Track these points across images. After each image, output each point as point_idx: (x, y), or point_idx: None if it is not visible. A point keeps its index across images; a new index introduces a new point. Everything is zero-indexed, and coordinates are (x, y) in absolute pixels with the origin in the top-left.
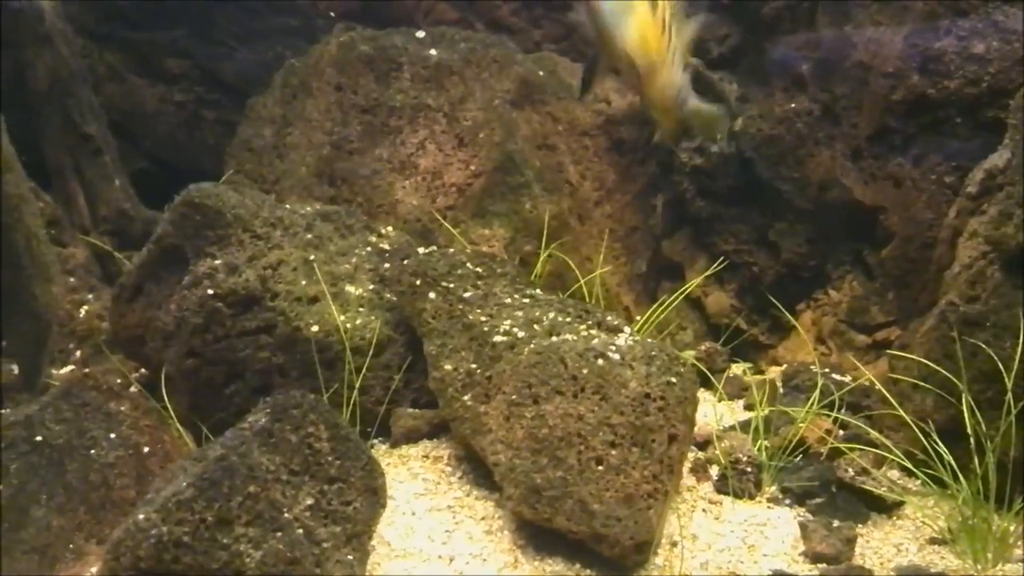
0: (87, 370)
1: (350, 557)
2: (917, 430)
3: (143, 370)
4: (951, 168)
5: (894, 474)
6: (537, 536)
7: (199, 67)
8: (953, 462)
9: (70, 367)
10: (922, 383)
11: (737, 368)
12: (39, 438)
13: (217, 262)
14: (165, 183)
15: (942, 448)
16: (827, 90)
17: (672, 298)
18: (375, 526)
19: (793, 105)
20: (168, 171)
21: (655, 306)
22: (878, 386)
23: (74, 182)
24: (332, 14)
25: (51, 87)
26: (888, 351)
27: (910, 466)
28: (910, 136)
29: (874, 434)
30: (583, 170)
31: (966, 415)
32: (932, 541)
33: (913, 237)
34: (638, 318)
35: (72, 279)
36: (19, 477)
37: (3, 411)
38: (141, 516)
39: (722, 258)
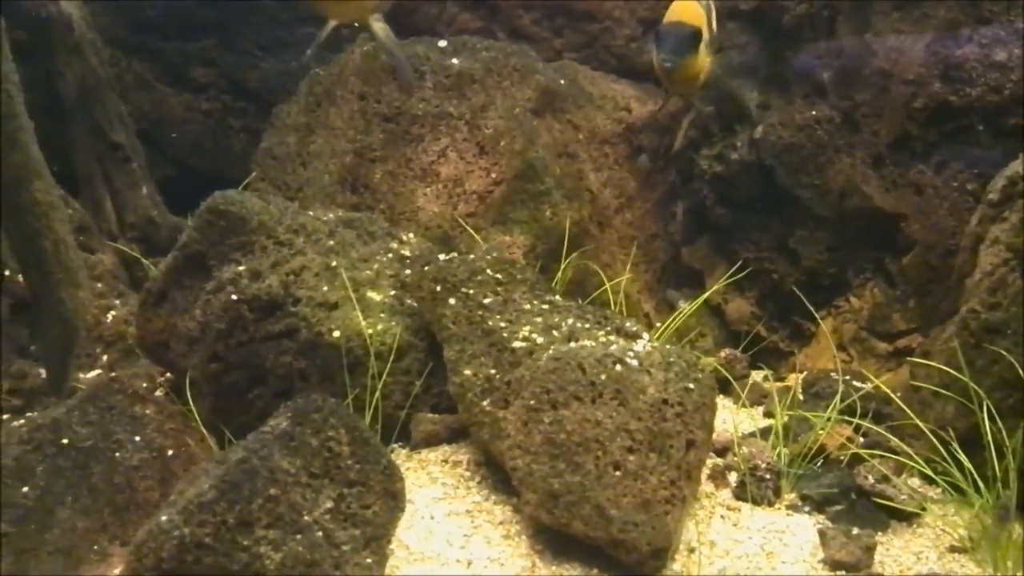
0: (113, 374)
1: (369, 560)
2: (936, 439)
3: (168, 375)
4: (973, 175)
5: (914, 482)
6: (555, 541)
7: (226, 76)
8: (973, 470)
9: (97, 371)
10: (943, 390)
11: (757, 375)
12: (65, 440)
13: (241, 268)
14: (192, 190)
15: (962, 456)
16: (848, 97)
17: (692, 304)
18: (394, 530)
19: (814, 112)
20: (195, 178)
21: (676, 313)
22: (895, 395)
23: (102, 189)
24: (356, 24)
25: (80, 95)
26: (909, 359)
27: (931, 474)
28: (931, 143)
29: (895, 441)
30: (603, 178)
31: (986, 423)
32: (952, 549)
33: (935, 244)
34: (658, 325)
35: (99, 285)
36: (45, 479)
37: (30, 414)
38: (164, 518)
39: (742, 264)
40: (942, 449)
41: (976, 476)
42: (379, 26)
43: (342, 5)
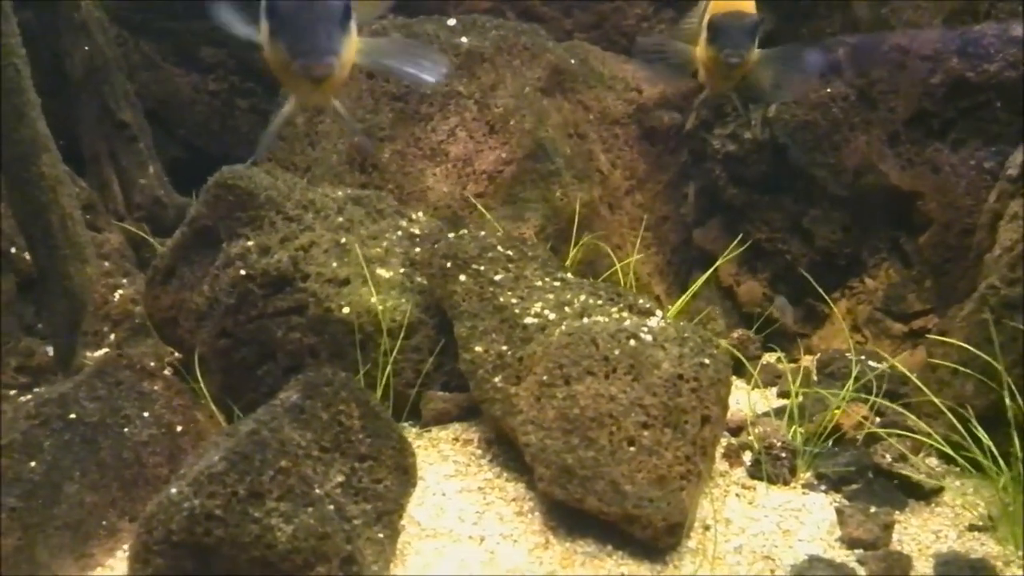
0: (120, 351)
1: (380, 535)
2: (955, 417)
3: (176, 354)
4: (990, 153)
5: (932, 461)
6: (568, 517)
7: (233, 56)
8: (993, 448)
9: (104, 350)
10: (961, 368)
11: (769, 357)
12: (73, 416)
13: (249, 243)
14: (199, 170)
15: (981, 433)
16: (863, 74)
17: (700, 280)
18: (405, 505)
19: (828, 90)
20: (202, 159)
21: (688, 293)
22: (912, 375)
23: (109, 169)
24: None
25: (87, 75)
26: (927, 336)
27: (950, 452)
28: (949, 120)
29: (911, 420)
30: (614, 158)
31: (1007, 400)
32: (971, 528)
33: (952, 223)
34: (669, 307)
35: (106, 264)
36: (52, 454)
37: (37, 389)
38: (174, 490)
39: (752, 244)
40: (960, 427)
41: (996, 453)
42: (338, 104)
43: (314, 92)
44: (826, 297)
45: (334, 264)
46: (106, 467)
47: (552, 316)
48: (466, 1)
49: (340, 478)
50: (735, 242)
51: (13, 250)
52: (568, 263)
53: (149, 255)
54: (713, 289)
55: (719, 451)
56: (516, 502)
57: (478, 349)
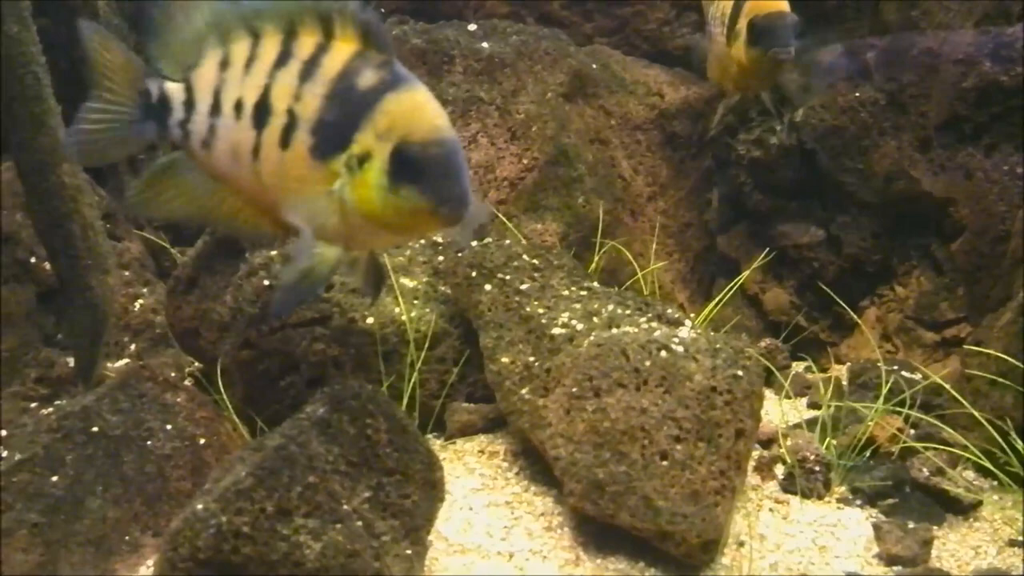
0: (142, 362)
1: (408, 551)
2: (994, 429)
3: (196, 364)
4: None
5: (970, 474)
6: (599, 533)
7: None
8: None
9: (125, 360)
10: (1000, 379)
11: (798, 366)
12: (95, 429)
13: (273, 252)
14: None
15: (1020, 446)
16: (893, 78)
17: (726, 290)
18: (434, 520)
19: (857, 94)
20: None
21: (714, 302)
22: (947, 387)
23: (128, 176)
24: (383, 9)
25: None
26: (964, 347)
27: (988, 465)
28: (981, 125)
29: (948, 432)
30: (636, 164)
31: None
32: (1012, 543)
33: (985, 230)
34: (692, 315)
35: (127, 273)
36: (75, 468)
37: (58, 402)
38: (200, 506)
39: (776, 252)
40: (1000, 440)
41: None
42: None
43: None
44: (847, 309)
45: None
46: (129, 481)
47: (580, 327)
48: (485, 5)
49: (367, 493)
50: (761, 252)
51: (34, 260)
52: (591, 270)
53: (169, 264)
54: (738, 297)
55: (750, 464)
56: (545, 517)
57: (504, 360)
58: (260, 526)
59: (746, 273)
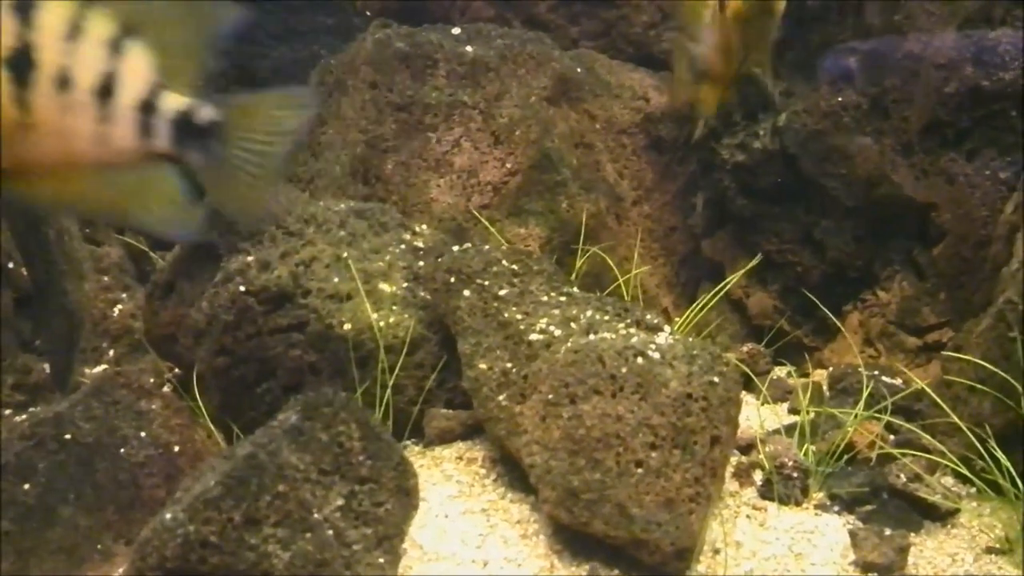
0: (118, 369)
1: (381, 560)
2: (972, 435)
3: (176, 370)
4: (1006, 163)
5: (948, 481)
6: (574, 541)
7: (237, 65)
8: (1012, 468)
9: (102, 366)
10: (979, 385)
11: (780, 371)
12: (68, 436)
13: (249, 258)
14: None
15: (999, 453)
16: (876, 83)
17: (711, 295)
18: (407, 528)
19: (840, 99)
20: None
21: (696, 306)
22: (929, 391)
23: None
24: (368, 12)
25: None
26: (942, 353)
27: (966, 472)
28: (963, 130)
29: (926, 439)
30: (621, 168)
31: None
32: (989, 550)
33: (967, 235)
34: (677, 320)
35: (106, 278)
36: (47, 476)
37: (33, 408)
38: (168, 516)
39: (763, 257)
40: (979, 446)
41: (1015, 473)
42: None
43: None
44: (829, 314)
45: (335, 279)
46: (102, 489)
47: (558, 332)
48: (470, 11)
49: (339, 502)
50: (747, 258)
51: (11, 265)
52: (573, 275)
53: (149, 268)
54: (722, 301)
55: (728, 470)
56: (520, 524)
57: (482, 366)
58: (228, 536)
59: (734, 278)
